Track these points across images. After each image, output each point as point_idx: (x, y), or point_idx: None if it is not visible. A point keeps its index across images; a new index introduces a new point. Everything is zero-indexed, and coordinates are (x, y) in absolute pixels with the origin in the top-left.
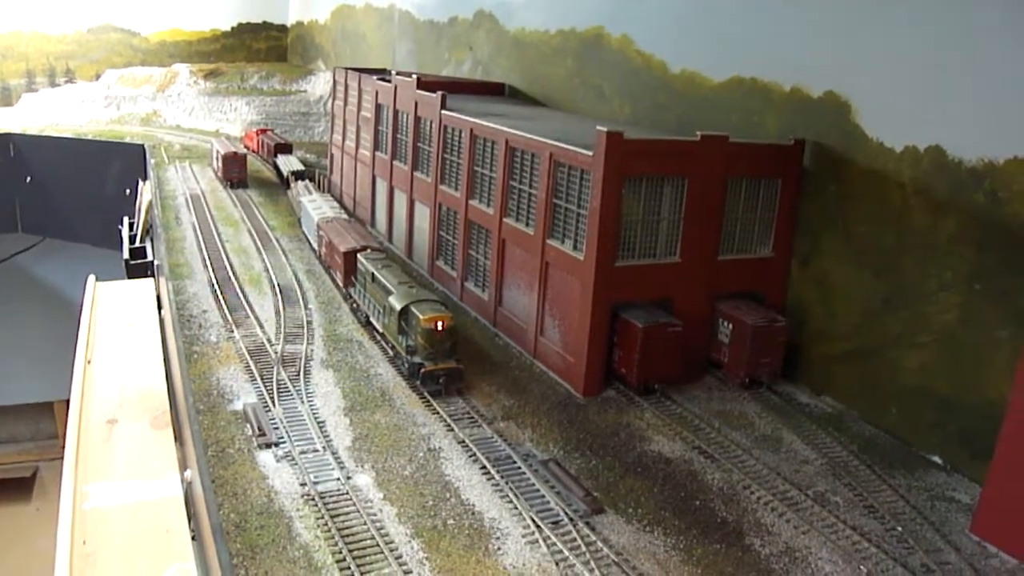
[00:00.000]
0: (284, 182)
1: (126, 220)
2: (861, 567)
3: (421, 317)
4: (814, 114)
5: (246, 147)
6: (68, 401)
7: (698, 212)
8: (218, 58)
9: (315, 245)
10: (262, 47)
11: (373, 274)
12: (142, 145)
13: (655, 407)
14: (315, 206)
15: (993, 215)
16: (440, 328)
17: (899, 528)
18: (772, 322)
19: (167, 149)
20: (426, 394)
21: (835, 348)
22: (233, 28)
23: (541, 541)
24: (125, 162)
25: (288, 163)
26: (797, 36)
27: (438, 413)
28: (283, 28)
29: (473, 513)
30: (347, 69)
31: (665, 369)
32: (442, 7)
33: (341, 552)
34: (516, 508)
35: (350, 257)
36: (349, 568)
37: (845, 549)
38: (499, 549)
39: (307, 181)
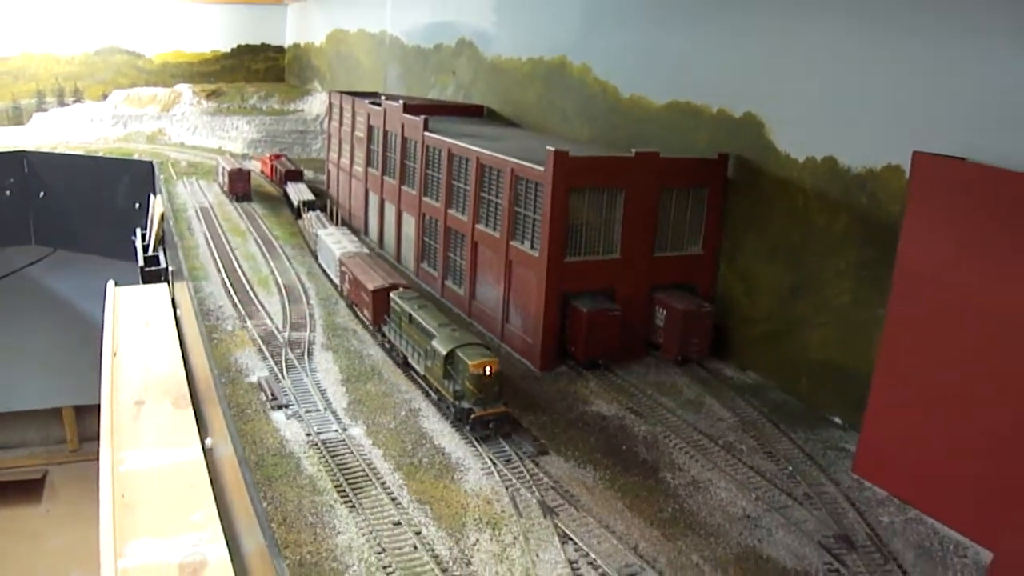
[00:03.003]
0: (295, 211)
1: (138, 231)
2: (752, 493)
3: (469, 363)
4: (736, 132)
5: (261, 172)
6: (76, 407)
7: (635, 217)
8: (218, 78)
9: (336, 280)
10: (260, 68)
11: (410, 315)
12: (150, 162)
13: (598, 378)
14: (334, 240)
15: (873, 214)
16: (488, 373)
17: (790, 468)
18: (700, 308)
19: (174, 166)
20: (413, 376)
21: (756, 330)
22: (233, 50)
23: (495, 473)
24: (133, 178)
25: (298, 192)
26: (722, 67)
27: (419, 385)
28: (280, 49)
29: (443, 454)
30: (342, 93)
31: (606, 347)
32: (428, 35)
33: (339, 480)
34: (477, 451)
35: (379, 295)
36: (345, 491)
37: (741, 482)
38: (462, 479)
39: (318, 212)
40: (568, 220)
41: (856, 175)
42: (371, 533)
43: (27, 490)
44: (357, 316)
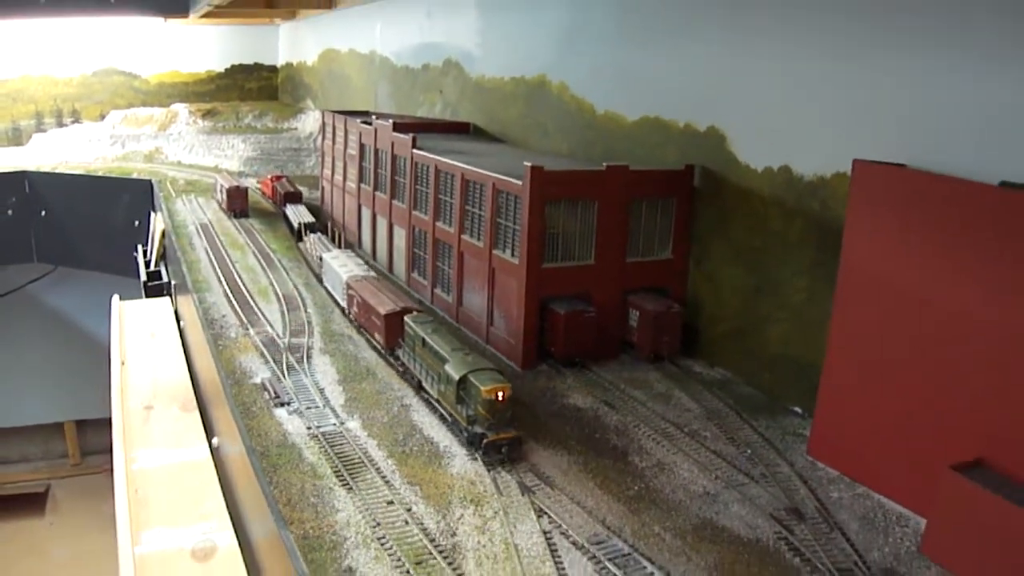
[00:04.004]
0: (295, 234)
1: (140, 248)
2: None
3: (482, 388)
4: (701, 144)
5: (262, 193)
6: (78, 422)
7: (608, 225)
8: (213, 98)
9: (343, 304)
10: (254, 87)
11: (423, 339)
12: (149, 180)
13: (576, 375)
14: (339, 263)
15: (824, 218)
16: (501, 398)
17: (749, 451)
18: (670, 309)
19: (172, 184)
20: (405, 377)
21: (723, 328)
22: (227, 69)
23: (479, 458)
24: (133, 196)
25: (298, 214)
26: (688, 84)
27: (411, 386)
28: (273, 69)
29: (432, 443)
30: (334, 112)
31: (583, 346)
32: (416, 55)
33: (337, 467)
34: (463, 441)
35: (392, 319)
36: (343, 476)
37: (703, 463)
38: (449, 464)
39: (319, 234)
40: (545, 229)
41: (809, 183)
42: (367, 510)
43: (31, 503)
44: (362, 334)
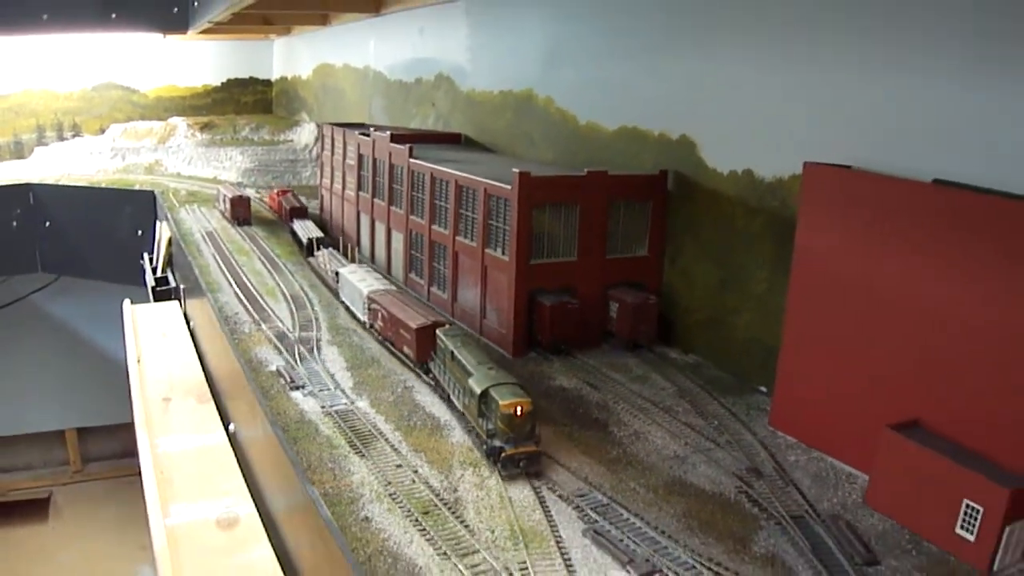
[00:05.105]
0: (304, 249)
1: (147, 256)
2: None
3: (501, 402)
4: (674, 151)
5: (270, 207)
6: (79, 429)
7: (589, 226)
8: (210, 111)
9: (363, 317)
10: (249, 100)
11: (452, 352)
12: (151, 191)
13: (561, 361)
14: (358, 277)
15: (782, 216)
16: (520, 413)
17: (716, 423)
18: (646, 300)
19: (175, 194)
20: (407, 363)
21: (694, 318)
22: (223, 83)
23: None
24: (135, 207)
25: (306, 229)
26: (661, 96)
27: (412, 370)
28: (268, 83)
29: (433, 418)
30: (332, 125)
31: (568, 335)
32: (409, 70)
33: (350, 438)
34: (463, 416)
35: (422, 333)
36: (356, 445)
37: (674, 432)
38: (449, 435)
39: (331, 248)
40: (532, 230)
41: (769, 184)
42: (379, 472)
43: (34, 510)
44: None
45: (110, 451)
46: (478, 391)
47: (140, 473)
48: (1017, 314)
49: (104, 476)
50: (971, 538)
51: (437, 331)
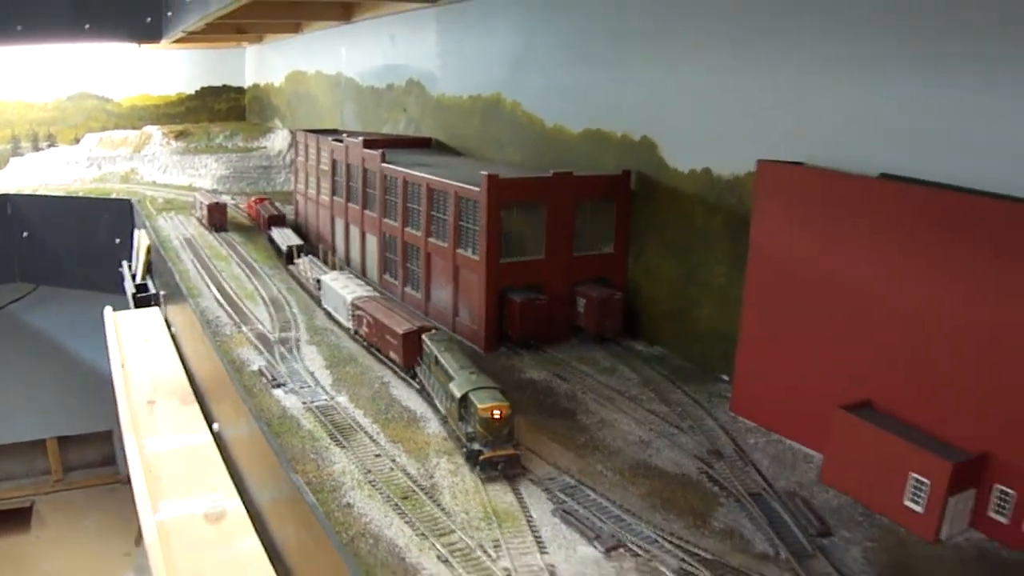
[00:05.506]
0: (284, 257)
1: (126, 264)
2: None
3: (479, 406)
4: (637, 152)
5: (248, 216)
6: (60, 438)
7: (556, 225)
8: (184, 119)
9: (347, 324)
10: (223, 107)
11: (436, 357)
12: (128, 200)
13: (531, 355)
14: (340, 284)
15: (739, 212)
16: (498, 417)
17: (680, 409)
18: (612, 295)
19: (152, 202)
20: (383, 360)
21: (658, 311)
22: (196, 92)
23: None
24: (112, 215)
25: (284, 237)
26: (624, 99)
27: (389, 367)
28: (240, 90)
29: (409, 411)
30: (306, 131)
31: (537, 330)
32: (380, 76)
33: (331, 431)
34: (437, 408)
35: (409, 338)
36: (337, 438)
37: (639, 419)
38: (425, 426)
39: (312, 256)
40: (501, 229)
41: (727, 181)
42: (359, 462)
43: (16, 519)
44: (364, 346)
45: (91, 459)
46: (458, 395)
47: (123, 480)
48: (957, 300)
49: (85, 484)
50: (919, 509)
51: (423, 336)
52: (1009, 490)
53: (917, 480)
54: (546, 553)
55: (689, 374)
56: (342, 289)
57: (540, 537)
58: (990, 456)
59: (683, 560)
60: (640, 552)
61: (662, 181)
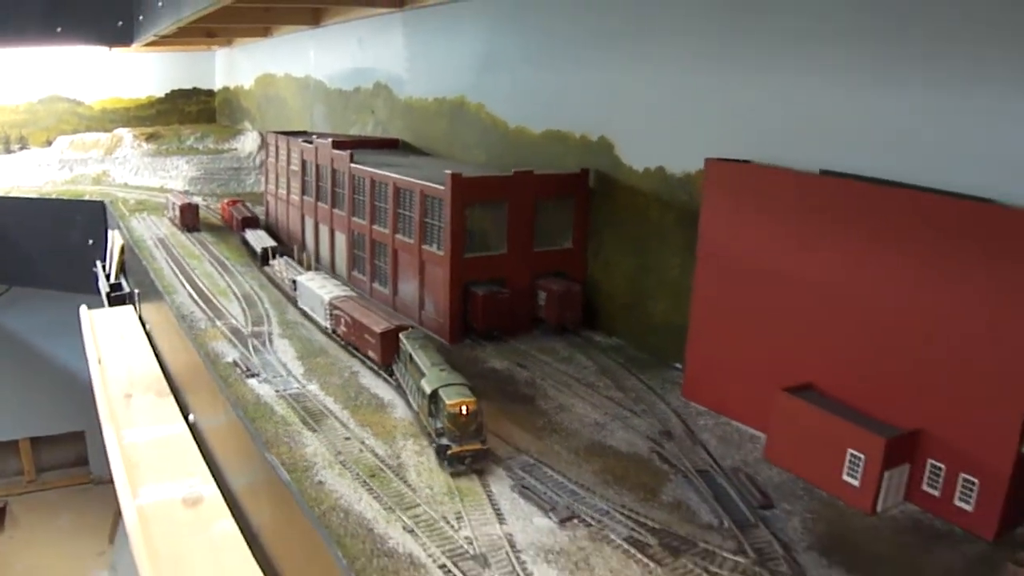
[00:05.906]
0: (258, 258)
1: (99, 264)
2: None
3: (447, 401)
4: (595, 152)
5: (221, 218)
6: (32, 439)
7: (517, 221)
8: (155, 122)
9: (325, 323)
10: (193, 110)
11: (411, 355)
12: (102, 202)
13: (494, 346)
14: (317, 284)
15: (690, 207)
16: (465, 412)
17: (634, 395)
18: (571, 288)
19: (124, 204)
20: (352, 351)
21: (616, 303)
22: (167, 94)
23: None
24: (85, 216)
25: (258, 238)
26: (582, 101)
27: (358, 358)
28: (211, 93)
29: (378, 398)
30: (276, 133)
31: (499, 322)
32: (348, 79)
33: (303, 417)
34: (404, 395)
35: (387, 337)
36: (308, 422)
37: (595, 404)
38: (392, 411)
39: (286, 258)
40: (465, 226)
41: (679, 179)
42: (330, 444)
43: None
44: (349, 350)
45: (64, 460)
46: (428, 391)
47: (96, 480)
48: (891, 287)
49: (59, 485)
50: (856, 483)
51: (400, 335)
52: (941, 464)
53: (854, 455)
54: (505, 524)
55: (644, 363)
56: (319, 289)
57: (500, 510)
58: (923, 433)
59: (633, 529)
60: (592, 522)
61: (619, 179)
